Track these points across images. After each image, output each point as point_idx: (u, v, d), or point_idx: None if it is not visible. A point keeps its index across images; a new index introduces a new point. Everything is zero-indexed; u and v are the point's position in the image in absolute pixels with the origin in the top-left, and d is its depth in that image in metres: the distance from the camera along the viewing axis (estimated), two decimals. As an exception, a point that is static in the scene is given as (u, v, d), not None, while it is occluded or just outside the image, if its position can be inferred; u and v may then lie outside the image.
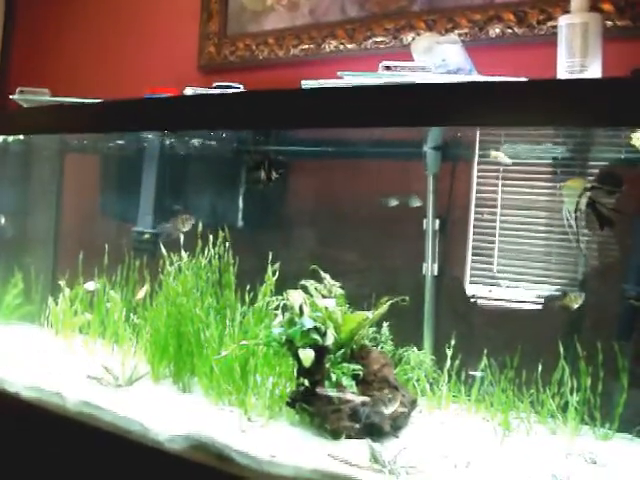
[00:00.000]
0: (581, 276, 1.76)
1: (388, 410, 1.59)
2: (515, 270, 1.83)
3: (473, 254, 1.87)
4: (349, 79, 1.44)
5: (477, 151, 1.85)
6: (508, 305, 1.84)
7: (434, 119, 1.36)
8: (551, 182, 1.82)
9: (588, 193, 1.59)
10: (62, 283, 2.25)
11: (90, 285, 2.21)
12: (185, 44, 2.72)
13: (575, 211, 1.60)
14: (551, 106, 1.27)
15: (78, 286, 2.24)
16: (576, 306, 1.66)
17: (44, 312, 2.35)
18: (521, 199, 1.85)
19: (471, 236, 1.87)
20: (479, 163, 1.87)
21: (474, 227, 1.87)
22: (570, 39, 1.54)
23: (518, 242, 1.84)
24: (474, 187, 1.88)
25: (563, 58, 1.56)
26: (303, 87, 1.45)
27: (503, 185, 1.86)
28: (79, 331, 2.25)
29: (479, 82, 1.37)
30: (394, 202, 1.93)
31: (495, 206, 1.86)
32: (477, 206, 1.88)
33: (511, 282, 1.84)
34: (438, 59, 1.65)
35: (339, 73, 1.46)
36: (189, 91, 1.74)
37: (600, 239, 1.73)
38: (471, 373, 1.75)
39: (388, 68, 1.42)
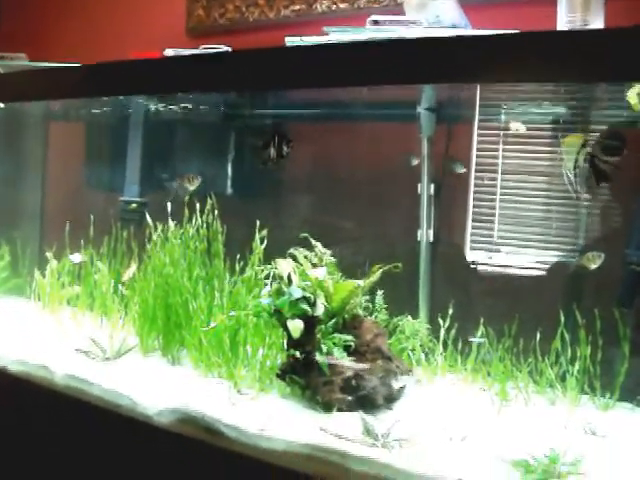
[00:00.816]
0: (583, 241, 1.70)
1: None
2: (516, 236, 1.78)
3: (473, 220, 1.82)
4: (335, 35, 1.36)
5: (477, 113, 1.78)
6: (506, 272, 1.78)
7: (428, 76, 1.29)
8: (553, 146, 1.76)
9: (587, 148, 1.53)
10: (49, 255, 2.20)
11: (76, 257, 2.15)
12: (173, 7, 2.64)
13: (574, 167, 1.54)
14: (551, 59, 1.20)
15: (65, 258, 2.19)
16: (594, 266, 1.60)
17: (31, 284, 2.30)
18: (522, 163, 1.79)
19: (471, 202, 1.81)
20: (480, 127, 1.80)
21: (475, 192, 1.82)
22: (571, -7, 1.47)
23: (519, 208, 1.78)
24: (474, 151, 1.81)
25: (564, 13, 1.49)
26: (287, 45, 1.38)
27: (504, 150, 1.80)
28: (67, 303, 2.21)
29: (476, 36, 1.29)
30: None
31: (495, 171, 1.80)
32: (477, 171, 1.82)
33: (512, 248, 1.78)
34: (432, 15, 1.57)
35: (324, 28, 1.39)
36: (170, 52, 1.66)
37: (602, 203, 1.68)
38: (470, 340, 1.69)
39: (376, 23, 1.34)
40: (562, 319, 1.58)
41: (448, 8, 1.59)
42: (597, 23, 1.47)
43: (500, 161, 1.81)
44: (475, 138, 1.82)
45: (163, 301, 1.83)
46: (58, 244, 2.22)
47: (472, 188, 1.82)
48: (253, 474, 1.42)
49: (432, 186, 1.80)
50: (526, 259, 1.77)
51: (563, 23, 1.50)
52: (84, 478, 1.67)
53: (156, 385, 1.67)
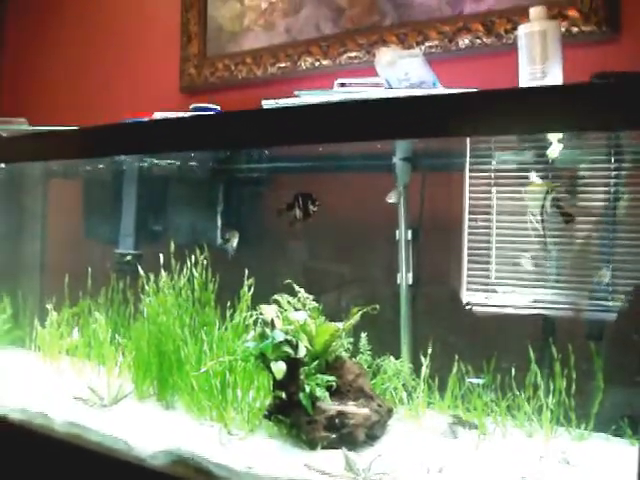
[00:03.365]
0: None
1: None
2: (512, 276, 1.84)
3: (469, 261, 1.89)
4: (305, 97, 1.47)
5: (468, 159, 1.87)
6: (490, 311, 1.85)
7: (392, 132, 1.39)
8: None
9: (553, 194, 1.63)
10: (49, 306, 2.29)
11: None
12: (167, 67, 2.77)
13: (541, 213, 1.64)
14: (510, 114, 1.30)
15: (65, 309, 2.28)
16: (606, 281, 1.67)
17: (31, 336, 2.39)
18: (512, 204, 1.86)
19: (466, 244, 1.89)
20: (471, 171, 1.89)
21: (468, 235, 1.89)
22: (530, 47, 1.57)
23: (512, 248, 1.85)
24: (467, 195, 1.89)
25: (524, 66, 1.59)
26: (263, 107, 1.49)
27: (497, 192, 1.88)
28: (66, 353, 2.29)
29: (433, 95, 1.40)
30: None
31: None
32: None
33: (508, 288, 1.85)
34: (401, 73, 1.67)
35: (295, 92, 1.50)
36: (158, 115, 1.78)
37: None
38: (470, 380, 1.76)
39: (343, 85, 1.45)
40: (533, 355, 1.65)
41: (416, 66, 1.70)
42: (555, 72, 1.57)
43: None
44: (467, 183, 1.90)
45: (157, 348, 1.91)
46: (58, 296, 2.32)
47: (466, 231, 1.90)
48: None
49: (409, 232, 1.90)
50: (521, 298, 1.83)
51: (524, 74, 1.60)
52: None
53: (150, 429, 1.74)
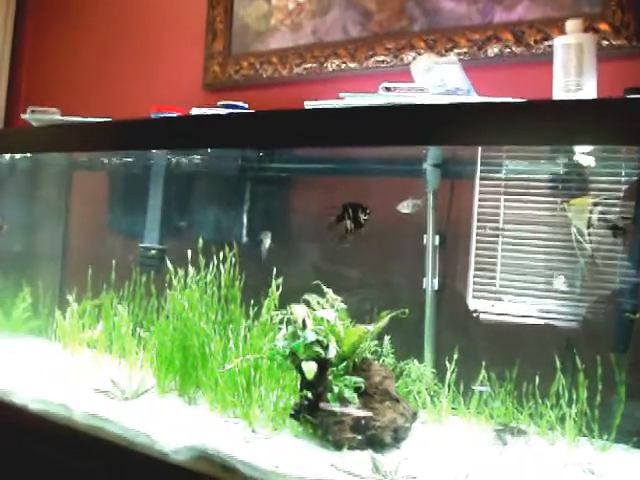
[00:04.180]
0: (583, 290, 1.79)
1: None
2: (518, 285, 1.86)
3: (476, 269, 1.90)
4: (350, 100, 1.48)
5: (479, 168, 1.89)
6: (507, 319, 1.87)
7: (430, 139, 1.41)
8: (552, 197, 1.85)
9: (598, 208, 1.64)
10: (70, 298, 2.30)
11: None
12: (191, 64, 2.78)
13: (587, 227, 1.65)
14: (544, 126, 1.31)
15: (86, 301, 2.29)
16: None
17: (51, 326, 2.39)
18: (522, 214, 1.88)
19: (474, 251, 1.90)
20: (481, 179, 1.90)
21: (477, 242, 1.90)
22: (565, 59, 1.58)
23: (520, 257, 1.86)
24: (476, 203, 1.91)
25: (559, 77, 1.60)
26: (306, 107, 1.50)
27: (505, 200, 1.89)
28: (87, 345, 2.29)
29: (469, 103, 1.41)
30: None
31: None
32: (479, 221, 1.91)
33: (514, 297, 1.86)
34: (437, 79, 1.69)
35: (340, 94, 1.51)
36: (196, 111, 1.79)
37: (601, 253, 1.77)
38: (475, 388, 1.77)
39: (388, 89, 1.47)
40: (559, 364, 1.67)
41: (452, 72, 1.71)
42: (589, 85, 1.58)
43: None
44: (477, 190, 1.92)
45: (180, 343, 1.92)
46: (78, 287, 2.32)
47: (474, 238, 1.91)
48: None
49: (437, 237, 1.91)
50: (528, 307, 1.85)
51: (559, 86, 1.62)
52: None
53: (173, 424, 1.74)
